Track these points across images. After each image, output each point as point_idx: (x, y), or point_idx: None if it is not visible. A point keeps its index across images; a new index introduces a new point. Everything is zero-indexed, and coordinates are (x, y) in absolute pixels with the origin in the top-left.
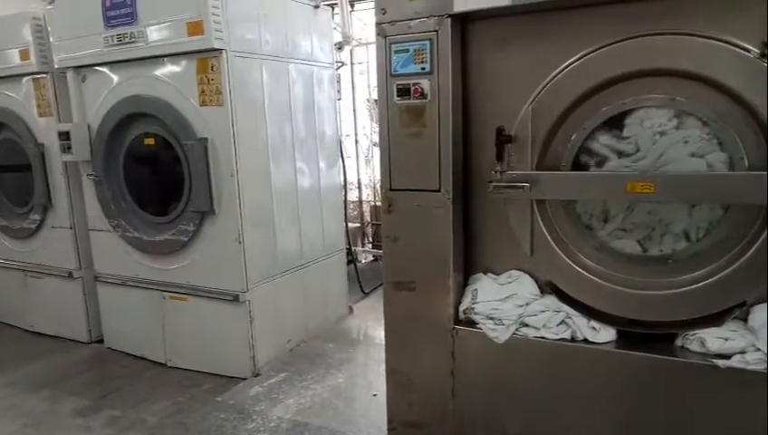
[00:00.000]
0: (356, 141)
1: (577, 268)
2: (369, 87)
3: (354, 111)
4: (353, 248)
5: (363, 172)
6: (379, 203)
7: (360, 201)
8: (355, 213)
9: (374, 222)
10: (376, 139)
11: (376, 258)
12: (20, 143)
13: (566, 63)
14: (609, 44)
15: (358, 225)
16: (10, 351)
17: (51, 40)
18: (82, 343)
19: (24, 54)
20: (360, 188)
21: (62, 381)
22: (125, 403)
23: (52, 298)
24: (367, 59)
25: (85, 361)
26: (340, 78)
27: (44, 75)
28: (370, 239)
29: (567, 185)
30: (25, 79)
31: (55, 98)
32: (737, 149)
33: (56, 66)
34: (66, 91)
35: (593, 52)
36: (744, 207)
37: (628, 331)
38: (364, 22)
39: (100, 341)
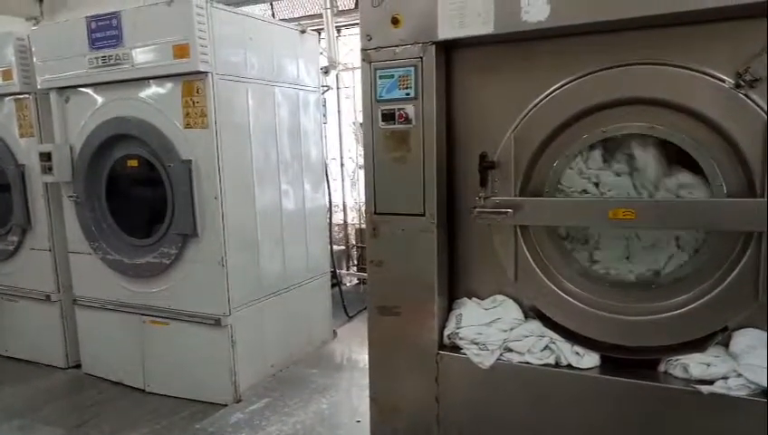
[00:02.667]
0: (341, 164)
1: (561, 293)
2: (354, 111)
3: (340, 134)
4: (338, 271)
5: (349, 195)
6: (364, 226)
7: (346, 224)
8: (340, 235)
9: (359, 245)
10: (361, 162)
11: (361, 281)
12: None
13: (548, 91)
14: (590, 73)
15: (343, 247)
16: None
17: (34, 60)
18: (59, 368)
19: (7, 74)
20: (345, 210)
21: (36, 408)
22: (102, 431)
23: (29, 322)
24: (353, 83)
25: (61, 387)
26: (326, 102)
27: (27, 96)
28: (355, 262)
29: (550, 211)
30: (7, 99)
31: (37, 118)
32: (716, 176)
33: (39, 87)
34: (49, 112)
35: (574, 80)
36: (724, 233)
37: (612, 356)
38: (350, 47)
39: (78, 366)
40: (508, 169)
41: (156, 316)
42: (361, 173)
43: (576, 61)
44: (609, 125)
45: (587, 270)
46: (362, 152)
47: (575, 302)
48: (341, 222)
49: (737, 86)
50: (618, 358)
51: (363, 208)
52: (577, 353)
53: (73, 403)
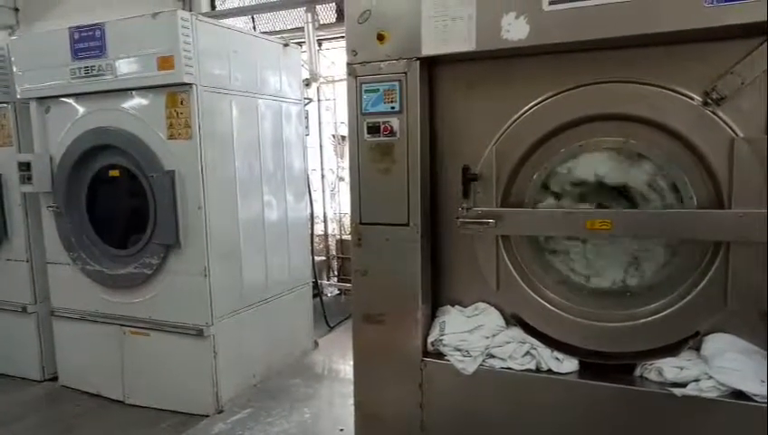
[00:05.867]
0: (322, 176)
1: (541, 301)
2: (335, 123)
3: (321, 146)
4: (319, 282)
5: (329, 206)
6: (344, 237)
7: (326, 235)
8: (321, 246)
9: (339, 256)
10: (341, 173)
11: (341, 292)
12: None
13: (528, 106)
14: (568, 90)
15: (323, 258)
16: None
17: (14, 70)
18: (35, 381)
19: None
20: (325, 221)
21: (12, 421)
22: None
23: (3, 334)
24: (333, 96)
25: (37, 400)
26: (308, 114)
27: (5, 105)
28: (336, 273)
29: (530, 221)
30: None
31: (16, 128)
32: (687, 188)
33: (19, 96)
34: (28, 122)
35: (553, 96)
36: (694, 242)
37: (591, 361)
38: (331, 60)
39: (54, 378)
40: (490, 180)
41: (137, 327)
42: (341, 185)
43: (555, 78)
44: (585, 139)
45: (566, 278)
46: (342, 164)
47: (555, 309)
48: (322, 233)
49: (705, 104)
50: (596, 363)
51: (343, 220)
52: (557, 359)
53: (50, 416)
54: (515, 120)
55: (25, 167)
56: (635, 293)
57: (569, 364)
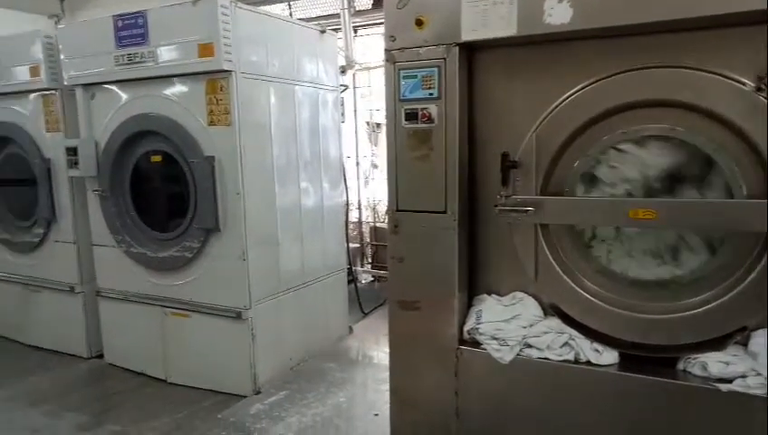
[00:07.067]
0: (357, 163)
1: (580, 291)
2: (370, 110)
3: (356, 133)
4: (354, 268)
5: (363, 193)
6: (378, 224)
7: (360, 222)
8: (355, 233)
9: (373, 243)
10: (375, 161)
11: (375, 279)
12: (26, 158)
13: (569, 93)
14: (611, 75)
15: (357, 245)
16: (9, 365)
17: (61, 57)
18: (82, 358)
19: (35, 71)
20: (360, 209)
21: (61, 395)
22: (125, 419)
23: (53, 313)
24: (369, 83)
25: (85, 376)
26: (343, 101)
27: (53, 92)
28: (369, 260)
29: (570, 210)
30: (34, 95)
31: (63, 114)
32: (735, 178)
33: (65, 83)
34: (74, 108)
35: (595, 82)
36: (743, 234)
37: (631, 353)
38: (367, 46)
39: (100, 356)
40: (530, 168)
41: (178, 308)
42: (375, 172)
43: (598, 63)
44: (629, 127)
45: (606, 268)
46: (376, 152)
47: (594, 300)
48: (356, 220)
49: (758, 89)
50: (637, 355)
51: (377, 207)
52: (596, 350)
53: (97, 392)
54: (557, 107)
55: (72, 152)
56: (679, 284)
57: (608, 356)
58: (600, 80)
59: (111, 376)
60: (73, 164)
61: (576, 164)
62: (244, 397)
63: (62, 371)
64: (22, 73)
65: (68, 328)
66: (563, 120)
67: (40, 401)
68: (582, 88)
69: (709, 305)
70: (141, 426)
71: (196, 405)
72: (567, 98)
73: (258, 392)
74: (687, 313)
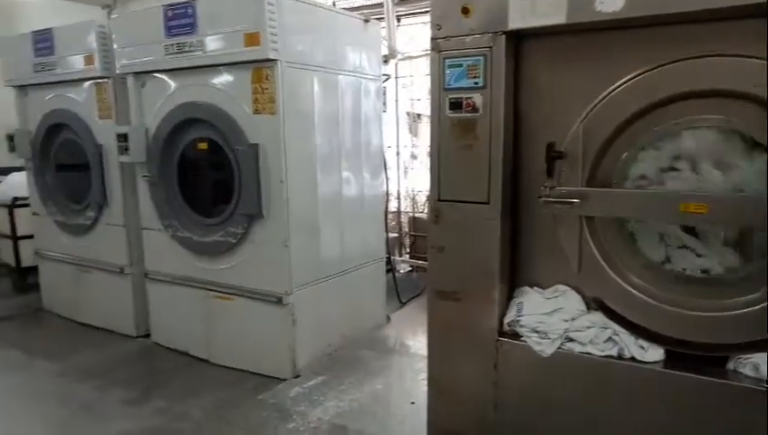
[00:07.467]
0: (397, 153)
1: (625, 286)
2: (411, 100)
3: (397, 123)
4: (392, 258)
5: (402, 184)
6: (417, 214)
7: (399, 212)
8: (393, 223)
9: (412, 233)
10: (414, 151)
11: (413, 269)
12: (80, 143)
13: (619, 82)
14: (664, 64)
15: (396, 235)
16: (61, 341)
17: (114, 47)
18: (130, 336)
19: (89, 60)
20: (399, 199)
21: (110, 372)
22: (170, 396)
23: (103, 292)
24: (410, 72)
25: (132, 354)
26: (385, 90)
27: (106, 80)
28: (408, 250)
29: (617, 202)
30: (88, 83)
31: (115, 101)
32: None
33: (117, 72)
34: (126, 96)
35: (646, 72)
36: None
37: (678, 351)
38: (409, 36)
39: (147, 335)
40: (576, 159)
41: (222, 292)
42: (415, 163)
43: (650, 52)
44: (681, 118)
45: (653, 263)
46: (416, 142)
47: (640, 295)
48: (395, 210)
49: None
50: (683, 353)
51: (416, 197)
52: (641, 347)
53: (143, 369)
54: (606, 97)
55: (123, 138)
56: (730, 281)
57: (654, 353)
58: (651, 69)
59: (157, 355)
60: (124, 150)
61: (624, 156)
62: (284, 380)
63: (111, 348)
64: (77, 62)
65: (117, 308)
66: (612, 111)
67: (90, 376)
68: (634, 77)
69: (761, 305)
70: (185, 403)
71: (237, 386)
72: (617, 88)
73: (297, 376)
74: (738, 311)
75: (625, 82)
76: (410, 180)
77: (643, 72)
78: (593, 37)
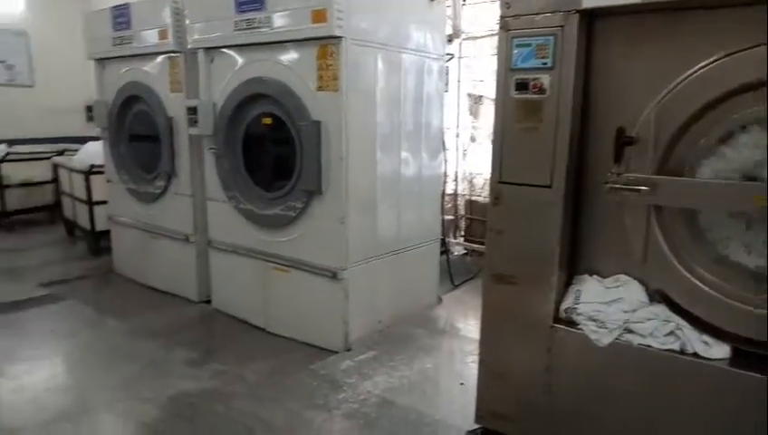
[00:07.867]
0: (456, 135)
1: (692, 279)
2: (473, 81)
3: (458, 104)
4: (447, 240)
5: (460, 166)
6: (474, 197)
7: (456, 194)
8: (449, 206)
9: (468, 216)
10: (474, 133)
11: (467, 252)
12: (152, 115)
13: (698, 66)
14: (747, 48)
15: (452, 217)
16: (131, 302)
17: (186, 22)
18: (192, 301)
19: (163, 34)
20: (456, 181)
21: (174, 333)
22: (228, 359)
23: (169, 259)
24: (474, 53)
25: (195, 318)
26: (448, 70)
27: (178, 54)
28: (463, 233)
29: (688, 192)
30: (161, 57)
31: (185, 75)
32: None
33: (189, 46)
34: (195, 70)
35: (728, 55)
36: None
37: (745, 349)
38: (475, 15)
39: (208, 301)
40: (646, 145)
41: (279, 264)
42: (473, 145)
43: (732, 34)
44: (764, 105)
45: (723, 257)
46: (476, 124)
47: (708, 289)
48: (452, 192)
49: None
50: (751, 352)
51: (474, 180)
52: (705, 343)
53: (204, 333)
54: (682, 81)
55: (192, 111)
56: None
57: (719, 350)
58: (733, 52)
59: (217, 320)
60: (193, 123)
61: (700, 143)
62: (335, 353)
63: (175, 311)
64: (152, 36)
65: (181, 273)
66: (689, 96)
67: (156, 335)
68: (713, 61)
69: None
70: (242, 367)
71: (290, 354)
72: (695, 72)
73: (348, 350)
74: None
75: (704, 66)
76: (468, 163)
77: (724, 56)
78: (672, 17)
